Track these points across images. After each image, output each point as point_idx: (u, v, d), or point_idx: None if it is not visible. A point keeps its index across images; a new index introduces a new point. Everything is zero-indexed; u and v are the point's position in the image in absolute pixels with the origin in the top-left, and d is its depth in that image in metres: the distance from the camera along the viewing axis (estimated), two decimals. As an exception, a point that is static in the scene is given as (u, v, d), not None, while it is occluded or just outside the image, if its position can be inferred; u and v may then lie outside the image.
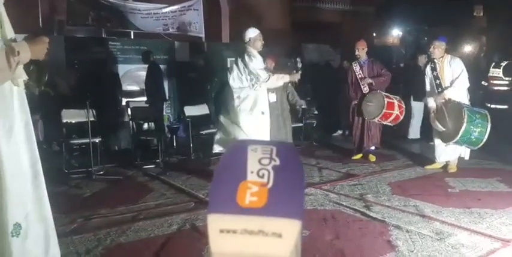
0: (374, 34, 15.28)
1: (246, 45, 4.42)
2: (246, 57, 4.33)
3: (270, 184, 0.48)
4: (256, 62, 4.35)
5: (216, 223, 0.47)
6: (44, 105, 5.23)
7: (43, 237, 1.97)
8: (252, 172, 0.49)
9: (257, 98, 4.46)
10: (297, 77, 4.77)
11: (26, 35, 1.96)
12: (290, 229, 0.46)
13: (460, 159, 4.97)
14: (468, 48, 15.76)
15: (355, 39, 5.80)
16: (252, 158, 0.50)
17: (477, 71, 6.09)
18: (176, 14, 8.65)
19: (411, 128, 7.17)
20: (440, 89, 4.81)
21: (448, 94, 4.70)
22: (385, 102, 5.15)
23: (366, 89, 5.50)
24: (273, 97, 6.19)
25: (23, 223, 1.85)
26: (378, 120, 5.39)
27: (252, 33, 4.40)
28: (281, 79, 4.60)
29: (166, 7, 8.59)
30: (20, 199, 1.86)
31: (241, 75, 4.39)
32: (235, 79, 4.43)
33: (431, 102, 4.86)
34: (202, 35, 8.99)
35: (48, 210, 2.01)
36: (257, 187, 0.48)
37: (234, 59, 8.13)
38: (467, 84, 4.82)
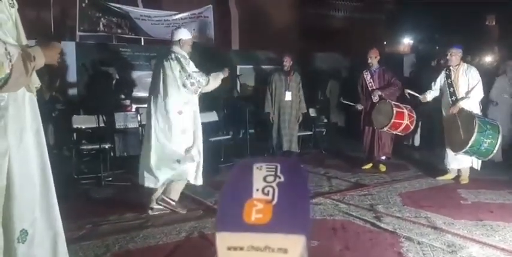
0: (385, 42, 15.24)
1: (174, 46, 3.84)
2: (182, 60, 3.73)
3: (275, 201, 0.49)
4: (192, 65, 3.82)
5: (224, 241, 0.48)
6: (55, 111, 5.29)
7: (51, 244, 1.95)
8: (257, 190, 0.50)
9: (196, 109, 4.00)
10: (226, 73, 4.20)
11: (37, 40, 1.97)
12: (295, 244, 0.47)
13: (472, 170, 4.90)
14: (487, 57, 15.70)
15: (365, 47, 5.77)
16: (258, 176, 0.51)
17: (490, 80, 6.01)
18: (186, 21, 8.72)
19: (416, 136, 7.29)
20: (454, 98, 4.75)
21: (463, 105, 4.65)
22: (394, 112, 5.09)
23: (376, 99, 5.46)
24: (288, 96, 6.19)
25: (29, 229, 1.84)
26: (387, 130, 5.33)
27: (185, 35, 3.88)
28: (218, 77, 4.09)
29: (177, 14, 8.67)
30: (28, 205, 1.85)
31: (176, 80, 3.72)
32: (174, 87, 3.73)
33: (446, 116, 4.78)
34: (212, 42, 9.05)
35: (57, 216, 2.00)
36: (262, 204, 0.49)
37: (242, 66, 8.05)
38: (482, 95, 4.76)
